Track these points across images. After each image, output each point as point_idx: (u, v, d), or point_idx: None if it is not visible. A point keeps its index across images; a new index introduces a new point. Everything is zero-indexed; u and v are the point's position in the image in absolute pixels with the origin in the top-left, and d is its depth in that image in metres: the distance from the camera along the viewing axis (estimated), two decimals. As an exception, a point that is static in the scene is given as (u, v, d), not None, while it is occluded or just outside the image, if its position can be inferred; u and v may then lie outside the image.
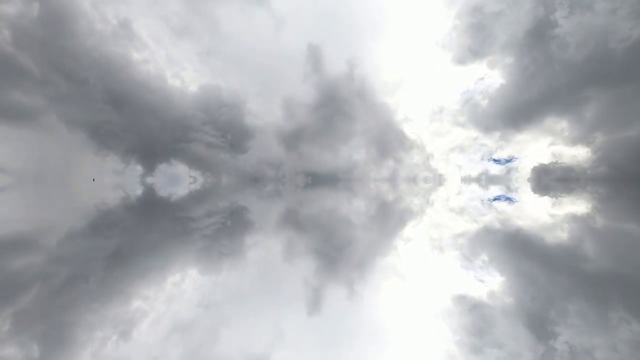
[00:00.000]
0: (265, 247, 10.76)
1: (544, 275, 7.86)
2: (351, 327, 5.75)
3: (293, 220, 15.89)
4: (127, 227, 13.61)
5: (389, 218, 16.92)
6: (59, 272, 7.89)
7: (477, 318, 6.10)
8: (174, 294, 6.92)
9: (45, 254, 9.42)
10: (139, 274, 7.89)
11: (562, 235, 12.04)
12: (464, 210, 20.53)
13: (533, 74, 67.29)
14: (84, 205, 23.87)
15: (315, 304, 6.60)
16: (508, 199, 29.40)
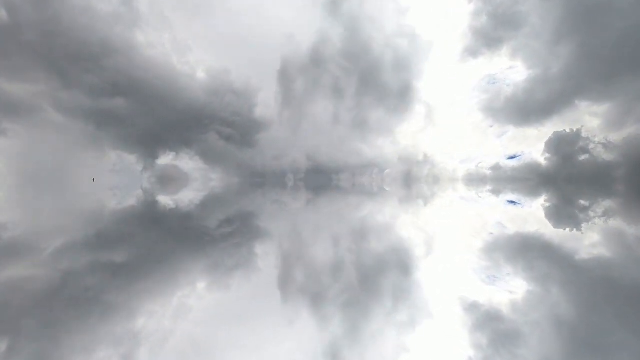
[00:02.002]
0: (277, 256, 10.24)
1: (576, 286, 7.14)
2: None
3: (306, 226, 15.37)
4: (130, 234, 13.21)
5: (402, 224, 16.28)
6: (54, 284, 7.43)
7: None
8: (182, 309, 6.40)
9: (39, 264, 8.95)
10: (143, 287, 7.41)
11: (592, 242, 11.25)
12: (476, 212, 19.74)
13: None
14: (84, 208, 23.68)
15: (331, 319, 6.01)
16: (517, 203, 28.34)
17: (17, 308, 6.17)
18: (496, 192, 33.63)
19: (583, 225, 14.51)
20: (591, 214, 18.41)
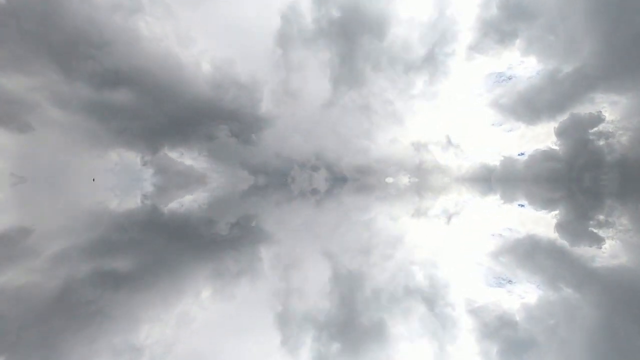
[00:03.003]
0: (283, 261, 10.02)
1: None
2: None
3: (315, 231, 15.11)
4: (131, 238, 12.94)
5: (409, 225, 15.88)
6: (52, 292, 7.20)
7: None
8: (184, 319, 6.23)
9: (37, 270, 8.65)
10: (145, 295, 7.24)
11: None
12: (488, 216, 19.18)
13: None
14: (83, 210, 23.17)
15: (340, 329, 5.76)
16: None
17: (15, 318, 6.01)
18: (507, 198, 32.44)
19: (605, 243, 12.46)
20: (611, 229, 15.16)
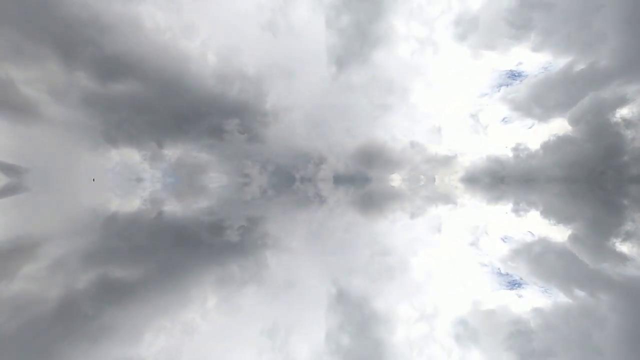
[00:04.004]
0: (291, 268, 9.76)
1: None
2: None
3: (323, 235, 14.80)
4: (132, 243, 12.61)
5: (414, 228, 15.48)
6: (51, 301, 6.93)
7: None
8: (190, 330, 6.00)
9: (36, 277, 8.37)
10: (147, 305, 7.06)
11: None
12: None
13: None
14: (82, 212, 22.87)
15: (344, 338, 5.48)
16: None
17: (12, 330, 5.77)
18: (519, 206, 31.55)
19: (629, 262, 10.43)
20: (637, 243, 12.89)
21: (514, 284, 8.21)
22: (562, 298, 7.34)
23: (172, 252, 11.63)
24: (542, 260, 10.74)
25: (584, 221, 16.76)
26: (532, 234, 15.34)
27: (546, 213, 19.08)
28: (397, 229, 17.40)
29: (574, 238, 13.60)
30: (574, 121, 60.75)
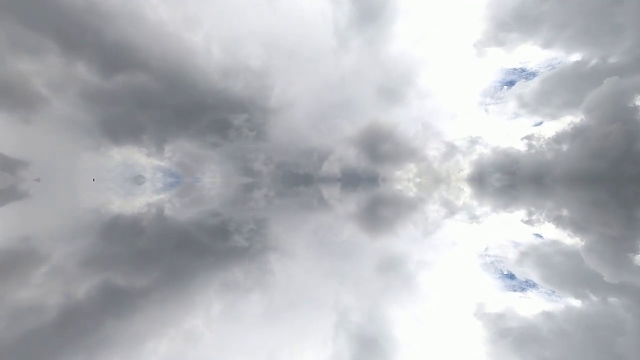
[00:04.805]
0: (297, 274, 9.58)
1: None
2: None
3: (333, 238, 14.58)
4: (134, 247, 12.24)
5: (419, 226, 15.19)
6: (50, 310, 6.68)
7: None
8: (193, 338, 5.85)
9: (33, 285, 8.06)
10: (148, 314, 6.88)
11: None
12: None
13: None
14: (82, 214, 22.37)
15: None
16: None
17: (8, 339, 5.60)
18: (532, 213, 31.11)
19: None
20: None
21: (524, 287, 7.94)
22: (575, 302, 7.07)
23: (174, 256, 11.41)
24: (553, 262, 10.41)
25: (601, 233, 15.22)
26: (542, 237, 14.96)
27: (561, 224, 18.05)
28: (405, 235, 17.12)
29: (589, 249, 12.00)
30: (588, 110, 58.18)
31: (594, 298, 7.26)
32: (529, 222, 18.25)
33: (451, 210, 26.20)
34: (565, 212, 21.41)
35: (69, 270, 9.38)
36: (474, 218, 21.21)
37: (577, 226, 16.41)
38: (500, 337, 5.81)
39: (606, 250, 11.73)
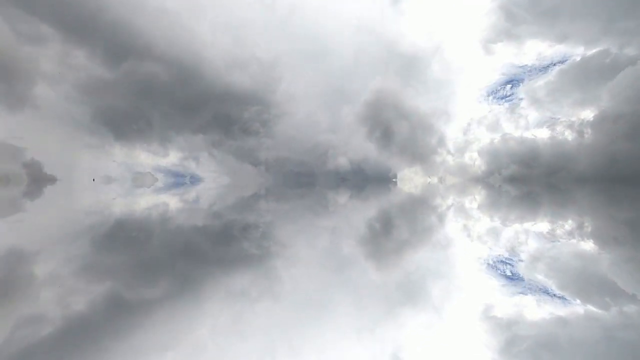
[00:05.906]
0: (305, 281, 9.50)
1: None
2: None
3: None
4: (134, 252, 11.76)
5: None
6: (46, 321, 6.37)
7: None
8: (199, 348, 5.85)
9: (30, 295, 7.70)
10: (153, 320, 6.73)
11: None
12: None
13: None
14: (81, 214, 22.12)
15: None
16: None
17: (4, 355, 5.29)
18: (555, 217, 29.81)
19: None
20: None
21: (538, 292, 7.68)
22: (593, 310, 6.77)
23: (176, 261, 11.18)
24: (569, 266, 10.01)
25: (626, 245, 13.77)
26: (559, 240, 14.43)
27: (583, 234, 16.48)
28: (420, 245, 16.83)
29: (613, 263, 10.53)
30: (612, 97, 54.79)
31: (614, 308, 6.93)
32: (550, 231, 17.12)
33: (463, 213, 25.60)
34: (586, 222, 20.03)
35: (68, 278, 9.03)
36: (486, 219, 20.64)
37: (599, 238, 15.27)
38: (512, 345, 5.62)
39: (630, 261, 10.66)
